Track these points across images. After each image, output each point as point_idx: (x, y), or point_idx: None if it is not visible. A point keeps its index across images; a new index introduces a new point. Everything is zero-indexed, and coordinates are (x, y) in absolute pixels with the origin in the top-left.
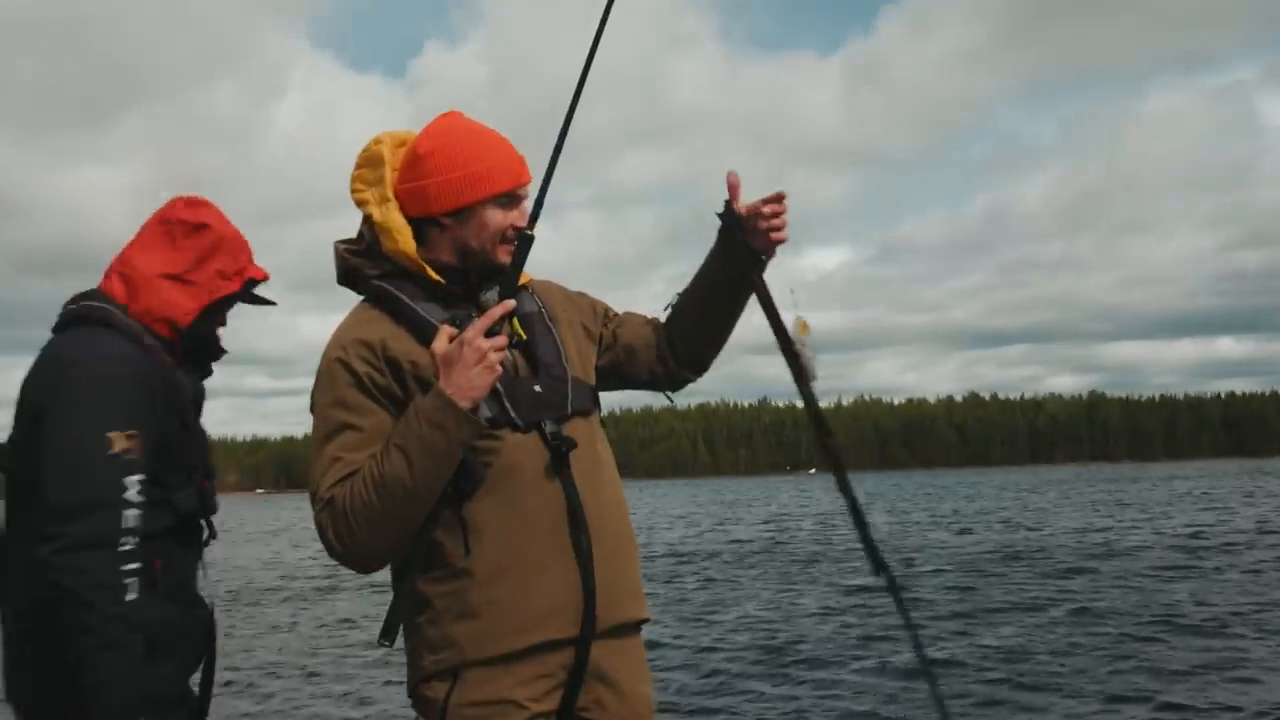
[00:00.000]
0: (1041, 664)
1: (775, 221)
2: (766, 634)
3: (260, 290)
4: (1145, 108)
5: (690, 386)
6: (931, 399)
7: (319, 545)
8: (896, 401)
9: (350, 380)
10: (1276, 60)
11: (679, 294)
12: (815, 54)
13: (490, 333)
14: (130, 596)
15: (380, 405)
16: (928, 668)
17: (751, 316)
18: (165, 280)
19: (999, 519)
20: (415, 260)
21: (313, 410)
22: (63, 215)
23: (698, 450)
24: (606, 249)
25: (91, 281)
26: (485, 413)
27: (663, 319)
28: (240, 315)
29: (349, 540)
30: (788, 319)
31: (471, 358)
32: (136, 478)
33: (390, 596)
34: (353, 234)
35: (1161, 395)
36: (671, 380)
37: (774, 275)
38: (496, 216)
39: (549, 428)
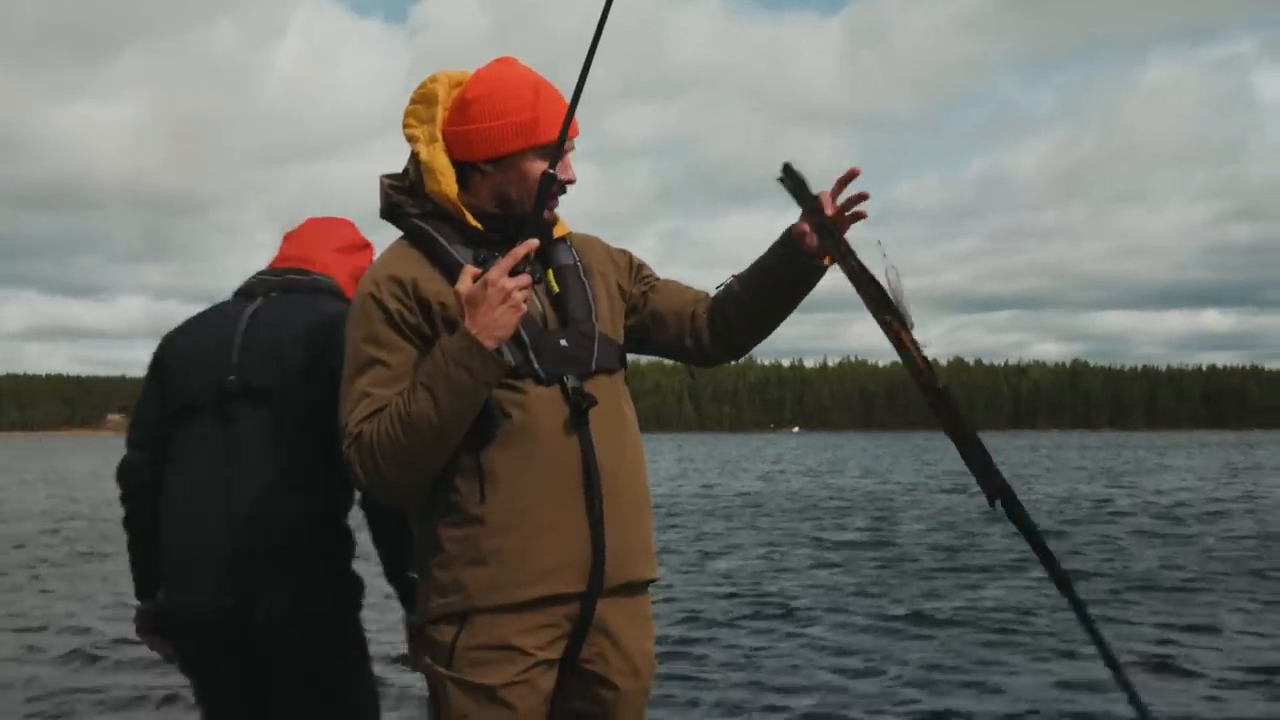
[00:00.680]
0: (1018, 622)
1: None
2: (754, 586)
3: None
4: (1144, 78)
5: None
6: None
7: None
8: (882, 364)
9: (382, 316)
10: (1275, 35)
11: (734, 275)
12: (817, 14)
13: (514, 272)
14: None
15: (410, 342)
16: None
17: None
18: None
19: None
20: (455, 203)
21: (346, 344)
22: (60, 150)
23: (683, 405)
24: (601, 202)
25: (88, 216)
26: (509, 360)
27: (712, 295)
28: (230, 256)
29: (375, 475)
30: (881, 278)
31: (496, 297)
32: None
33: None
34: (349, 178)
35: (1144, 366)
36: (702, 357)
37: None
38: (537, 166)
39: (571, 383)
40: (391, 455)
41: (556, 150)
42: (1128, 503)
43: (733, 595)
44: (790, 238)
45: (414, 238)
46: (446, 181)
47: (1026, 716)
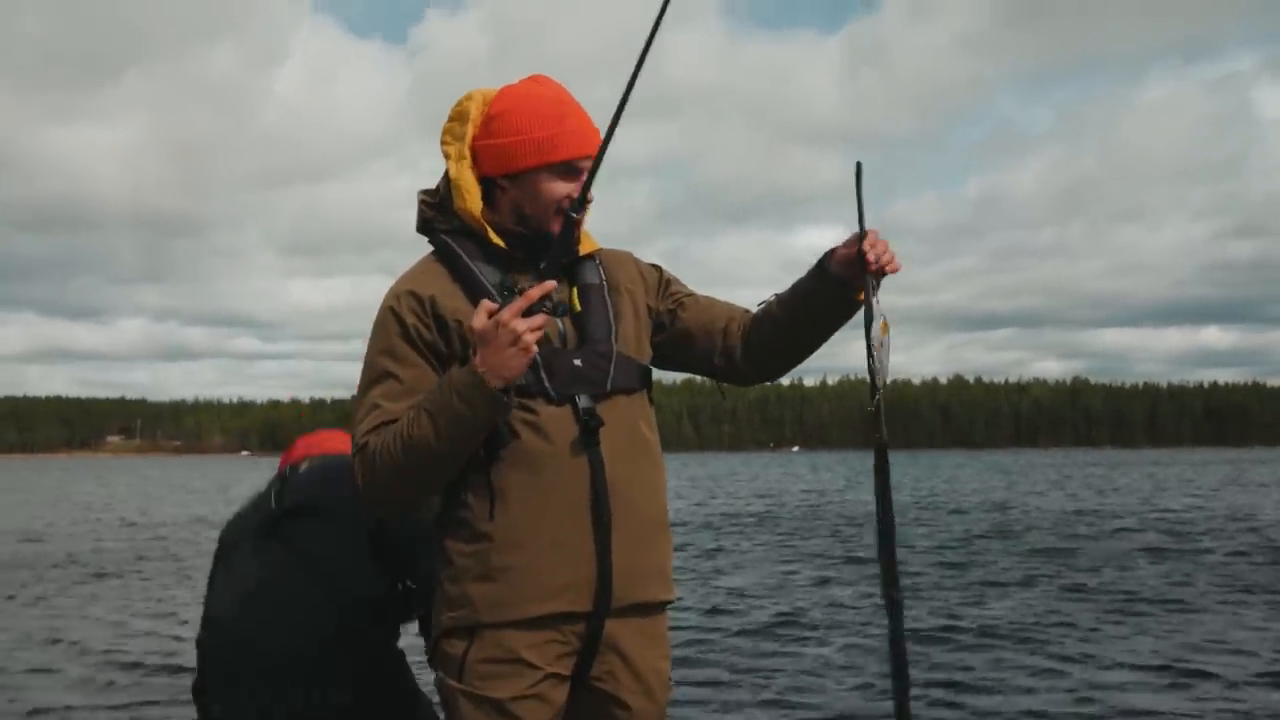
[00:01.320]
0: (1026, 636)
1: (884, 258)
2: (762, 603)
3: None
4: (1142, 96)
5: None
6: (916, 381)
7: None
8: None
9: (399, 330)
10: (1275, 51)
11: (776, 295)
12: (817, 32)
13: (530, 313)
14: None
15: (424, 358)
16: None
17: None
18: None
19: (990, 500)
20: (479, 220)
21: (365, 354)
22: (60, 172)
23: (682, 424)
24: (599, 222)
25: (87, 238)
26: (520, 380)
27: (752, 312)
28: (229, 278)
29: (374, 487)
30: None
31: (505, 338)
32: None
33: None
34: (348, 200)
35: (1145, 383)
36: (732, 375)
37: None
38: (553, 185)
39: (583, 403)
40: (391, 471)
41: (582, 193)
42: (1134, 520)
43: (742, 612)
44: (827, 257)
45: (441, 254)
46: (471, 198)
47: None
